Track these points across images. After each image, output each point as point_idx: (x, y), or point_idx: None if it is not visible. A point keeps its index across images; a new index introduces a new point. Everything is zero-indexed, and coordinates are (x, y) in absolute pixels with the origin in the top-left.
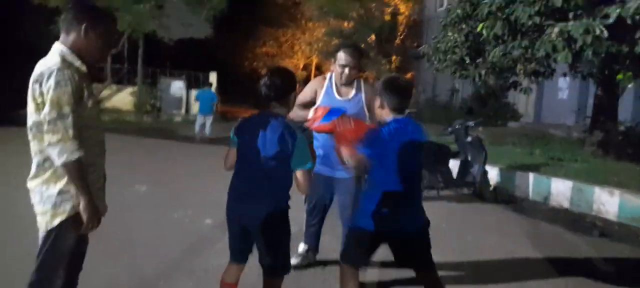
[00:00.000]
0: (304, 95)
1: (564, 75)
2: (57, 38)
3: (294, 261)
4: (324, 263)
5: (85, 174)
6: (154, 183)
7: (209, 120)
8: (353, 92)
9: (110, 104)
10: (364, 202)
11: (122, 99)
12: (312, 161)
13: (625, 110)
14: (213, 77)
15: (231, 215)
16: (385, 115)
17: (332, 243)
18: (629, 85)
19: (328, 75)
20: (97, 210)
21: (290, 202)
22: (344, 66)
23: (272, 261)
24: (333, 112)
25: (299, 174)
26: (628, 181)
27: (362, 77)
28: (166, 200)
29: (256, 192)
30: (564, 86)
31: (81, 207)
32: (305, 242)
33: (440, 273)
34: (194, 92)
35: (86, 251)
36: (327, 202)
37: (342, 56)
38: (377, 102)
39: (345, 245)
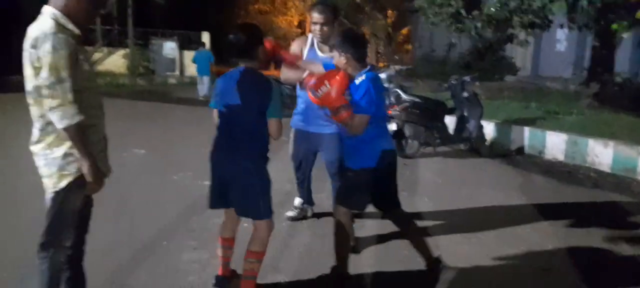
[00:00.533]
0: (290, 55)
1: (561, 26)
2: (47, 1)
3: (289, 214)
4: (319, 215)
5: (87, 137)
6: (152, 147)
7: (206, 81)
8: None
9: (102, 67)
10: (360, 144)
11: (115, 61)
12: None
13: (622, 62)
14: (205, 37)
15: (213, 166)
16: (351, 68)
17: (328, 199)
18: (625, 36)
19: (309, 34)
20: (100, 172)
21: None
22: (316, 24)
23: (254, 205)
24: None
25: (272, 122)
26: (622, 132)
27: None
28: (164, 163)
29: (234, 144)
30: (561, 38)
31: (84, 169)
32: (300, 196)
33: (431, 223)
34: (187, 53)
35: (91, 212)
36: (312, 157)
37: (313, 15)
38: (343, 59)
39: (345, 189)
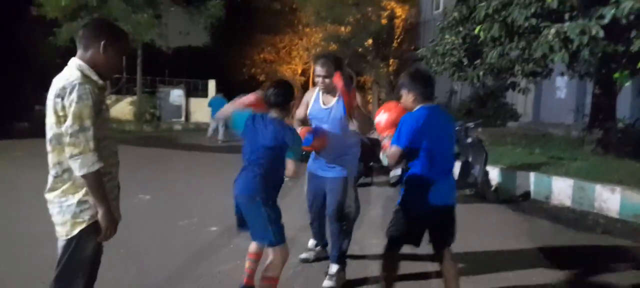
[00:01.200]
0: (301, 108)
1: (562, 74)
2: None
3: (303, 255)
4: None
5: (104, 183)
6: (158, 193)
7: (222, 123)
8: (335, 99)
9: (110, 113)
10: (410, 185)
11: (122, 108)
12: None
13: (623, 108)
14: (211, 85)
15: (235, 193)
16: (414, 105)
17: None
18: (627, 84)
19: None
20: (114, 219)
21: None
22: (319, 76)
23: (263, 233)
24: (315, 131)
25: (289, 162)
26: (628, 178)
27: (360, 81)
28: (170, 209)
29: (249, 175)
30: (561, 85)
31: (99, 215)
32: (314, 238)
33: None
34: (193, 100)
35: (101, 259)
36: (321, 198)
37: (317, 68)
38: (409, 97)
39: (395, 229)
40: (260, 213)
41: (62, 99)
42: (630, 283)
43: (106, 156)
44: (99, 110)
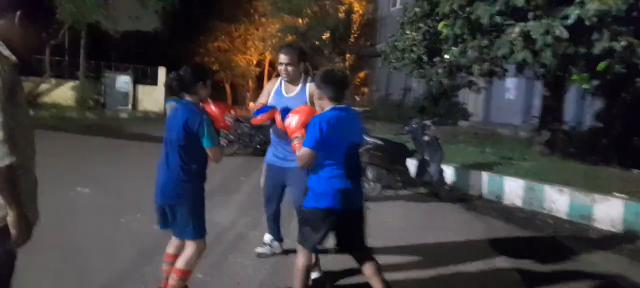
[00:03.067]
0: (262, 97)
1: (516, 76)
2: None
3: (260, 250)
4: (288, 252)
5: (16, 180)
6: (99, 186)
7: None
8: (298, 88)
9: (49, 98)
10: (313, 184)
11: (63, 93)
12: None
13: (568, 111)
14: (162, 73)
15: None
16: (326, 105)
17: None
18: (585, 86)
19: (280, 77)
20: (28, 223)
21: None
22: (282, 64)
23: (183, 227)
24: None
25: (209, 151)
26: (575, 179)
27: (315, 74)
28: (112, 203)
29: (164, 172)
30: (511, 87)
31: (10, 219)
32: (269, 232)
33: (399, 272)
34: (141, 88)
35: (14, 266)
36: (280, 191)
37: (280, 55)
38: (316, 95)
39: (301, 228)
40: (189, 202)
41: None
42: (576, 284)
43: (21, 146)
44: (12, 92)
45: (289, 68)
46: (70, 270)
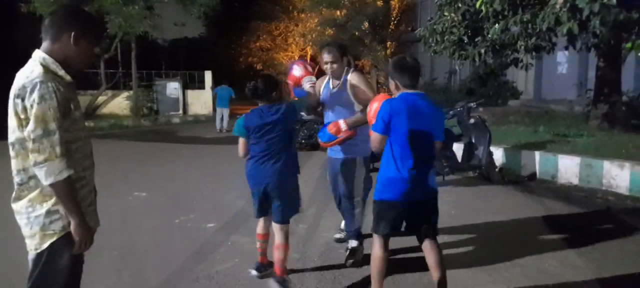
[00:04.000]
0: (314, 96)
1: (566, 48)
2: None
3: (337, 235)
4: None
5: (75, 192)
6: (155, 189)
7: (226, 113)
8: (341, 82)
9: (106, 109)
10: (382, 175)
11: (119, 103)
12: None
13: (626, 81)
14: (208, 76)
15: (253, 182)
16: (396, 92)
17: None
18: (639, 54)
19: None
20: (89, 229)
21: None
22: (327, 63)
23: (283, 209)
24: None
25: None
26: (637, 153)
27: (359, 65)
28: (167, 205)
29: (271, 161)
30: (562, 60)
31: (72, 228)
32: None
33: (451, 259)
34: (190, 93)
35: (82, 269)
36: (334, 181)
37: (323, 55)
38: (392, 85)
39: (374, 217)
40: (289, 184)
41: (23, 99)
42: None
43: (78, 160)
44: (67, 110)
45: (334, 65)
46: (128, 269)
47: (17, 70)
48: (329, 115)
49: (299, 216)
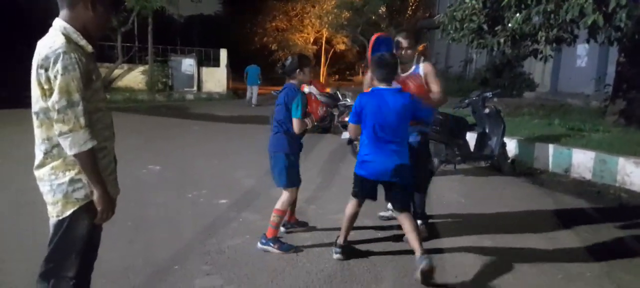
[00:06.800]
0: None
1: (587, 41)
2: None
3: (382, 213)
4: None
5: (98, 162)
6: (168, 163)
7: (255, 90)
8: (412, 68)
9: (122, 83)
10: (359, 155)
11: (134, 77)
12: (304, 117)
13: None
14: (223, 54)
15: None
16: (372, 85)
17: None
18: None
19: None
20: (111, 199)
21: None
22: (400, 48)
23: (278, 178)
24: None
25: (294, 121)
26: None
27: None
28: (180, 180)
29: (273, 135)
30: (582, 53)
31: (95, 197)
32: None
33: (460, 250)
34: (205, 70)
35: (100, 237)
36: None
37: (397, 40)
38: (368, 78)
39: (353, 185)
40: (277, 163)
41: (46, 70)
42: None
43: (100, 130)
44: (89, 80)
45: (407, 51)
46: (140, 240)
47: (35, 39)
48: None
49: (311, 197)
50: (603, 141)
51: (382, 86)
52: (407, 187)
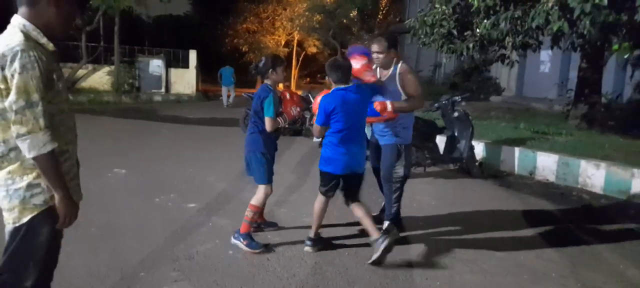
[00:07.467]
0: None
1: (552, 47)
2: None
3: (375, 214)
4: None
5: (59, 165)
6: (135, 167)
7: (232, 90)
8: (389, 72)
9: (86, 84)
10: (323, 152)
11: (99, 78)
12: (276, 115)
13: (606, 83)
14: (193, 56)
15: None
16: (332, 87)
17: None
18: (626, 56)
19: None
20: (74, 204)
21: None
22: (375, 53)
23: (256, 174)
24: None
25: (266, 119)
26: (614, 154)
27: (344, 53)
28: (148, 184)
29: (249, 135)
30: (546, 59)
31: (56, 202)
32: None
33: (429, 250)
34: (173, 71)
35: (61, 244)
36: (377, 165)
37: (372, 46)
38: (327, 80)
39: (320, 182)
40: (252, 161)
41: (3, 69)
42: (628, 259)
43: (62, 133)
44: (50, 80)
45: (380, 56)
46: (106, 247)
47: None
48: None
49: (281, 200)
50: (566, 144)
51: (341, 86)
52: (362, 176)
